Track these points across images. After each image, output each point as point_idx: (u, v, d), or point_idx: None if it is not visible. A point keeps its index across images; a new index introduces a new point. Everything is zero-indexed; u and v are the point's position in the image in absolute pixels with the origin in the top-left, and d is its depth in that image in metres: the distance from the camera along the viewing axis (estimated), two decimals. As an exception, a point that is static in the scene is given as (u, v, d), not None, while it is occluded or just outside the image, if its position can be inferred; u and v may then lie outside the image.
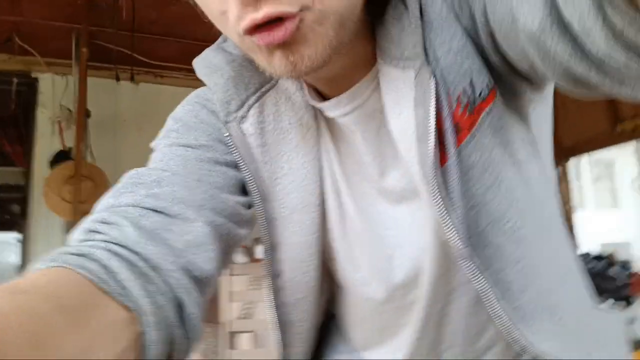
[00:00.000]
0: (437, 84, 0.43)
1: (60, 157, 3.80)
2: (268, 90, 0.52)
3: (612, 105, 4.95)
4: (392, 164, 0.51)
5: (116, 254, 0.39)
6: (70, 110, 3.98)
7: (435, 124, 0.43)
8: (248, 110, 0.52)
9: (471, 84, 0.44)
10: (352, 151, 0.53)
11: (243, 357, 2.34)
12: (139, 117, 4.60)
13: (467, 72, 0.44)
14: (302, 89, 0.52)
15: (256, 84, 0.52)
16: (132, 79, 4.07)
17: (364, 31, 0.48)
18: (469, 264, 0.46)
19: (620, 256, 4.52)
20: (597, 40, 0.30)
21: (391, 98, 0.46)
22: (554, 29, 0.32)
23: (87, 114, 3.78)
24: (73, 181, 3.43)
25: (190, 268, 0.43)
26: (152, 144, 0.58)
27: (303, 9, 0.37)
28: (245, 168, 0.52)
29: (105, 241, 0.41)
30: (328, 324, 0.69)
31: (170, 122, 0.58)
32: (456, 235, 0.45)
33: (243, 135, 0.51)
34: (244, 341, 2.92)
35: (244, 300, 2.89)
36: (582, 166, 10.53)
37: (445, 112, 0.44)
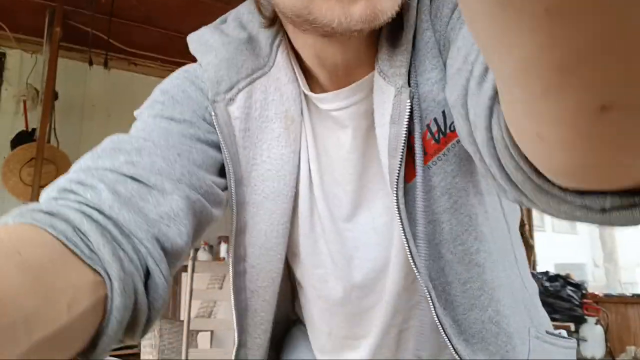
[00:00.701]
0: (412, 107, 0.46)
1: (23, 137, 3.67)
2: (260, 77, 0.52)
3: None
4: (374, 164, 0.53)
5: (89, 216, 0.38)
6: (37, 90, 3.85)
7: (407, 143, 0.47)
8: (237, 94, 0.52)
9: (443, 114, 0.47)
10: (330, 151, 0.54)
11: (201, 356, 2.31)
12: (109, 104, 4.49)
13: (440, 103, 0.47)
14: (296, 80, 0.54)
15: (248, 69, 0.52)
16: (105, 64, 3.98)
17: (372, 32, 0.50)
18: (421, 268, 0.49)
19: (575, 277, 4.70)
20: (487, 154, 0.34)
21: (378, 106, 0.49)
22: (462, 112, 0.37)
23: (55, 96, 3.67)
24: (34, 163, 3.32)
25: (161, 239, 0.43)
26: (136, 113, 0.55)
27: None
28: (226, 149, 0.52)
29: (79, 202, 0.40)
30: (292, 329, 0.69)
31: (156, 93, 0.56)
32: (413, 242, 0.48)
33: (229, 117, 0.52)
34: (202, 340, 2.88)
35: (204, 299, 2.85)
36: (544, 189, 10.88)
37: (417, 134, 0.47)
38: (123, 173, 0.44)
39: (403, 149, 0.46)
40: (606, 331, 4.26)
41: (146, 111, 0.54)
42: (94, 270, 0.35)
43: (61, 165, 3.50)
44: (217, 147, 0.53)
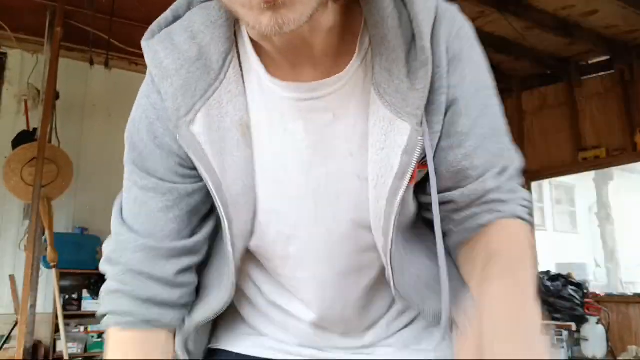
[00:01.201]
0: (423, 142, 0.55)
1: (24, 137, 3.68)
2: (213, 94, 0.57)
3: (575, 135, 5.15)
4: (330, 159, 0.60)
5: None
6: (38, 90, 3.85)
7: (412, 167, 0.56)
8: (195, 115, 0.57)
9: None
10: (287, 141, 0.60)
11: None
12: (110, 103, 4.50)
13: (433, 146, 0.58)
14: (244, 92, 0.60)
15: (202, 89, 0.57)
16: (106, 64, 3.98)
17: (349, 30, 0.56)
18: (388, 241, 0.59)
19: (576, 277, 4.70)
20: None
21: (375, 128, 0.57)
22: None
23: (56, 96, 3.67)
24: (35, 163, 3.32)
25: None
26: (125, 158, 0.65)
27: None
28: (199, 163, 0.58)
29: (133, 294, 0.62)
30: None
31: (127, 145, 0.64)
32: (393, 220, 0.57)
33: (192, 135, 0.57)
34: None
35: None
36: (544, 190, 10.88)
37: (415, 164, 0.56)
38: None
39: (410, 175, 0.56)
40: (607, 330, 4.26)
41: (127, 167, 0.65)
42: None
43: (62, 164, 3.50)
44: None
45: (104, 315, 0.62)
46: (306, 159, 0.58)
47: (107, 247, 0.65)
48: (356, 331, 0.68)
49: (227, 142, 0.58)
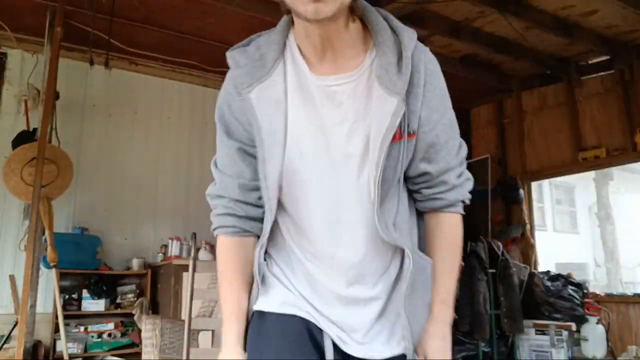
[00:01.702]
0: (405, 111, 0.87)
1: (24, 137, 3.68)
2: (262, 81, 0.90)
3: (575, 135, 5.15)
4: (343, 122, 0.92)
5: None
6: (38, 90, 3.85)
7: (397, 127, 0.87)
8: (252, 89, 0.91)
9: (404, 119, 0.88)
10: (321, 113, 0.91)
11: (202, 356, 2.32)
12: (109, 103, 4.49)
13: (405, 114, 0.88)
14: (285, 89, 0.92)
15: (258, 77, 0.91)
16: (106, 64, 3.98)
17: (339, 26, 0.86)
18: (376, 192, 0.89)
19: (576, 277, 4.69)
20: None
21: (374, 102, 0.89)
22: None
23: (56, 96, 3.67)
24: (35, 163, 3.32)
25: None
26: (217, 128, 0.99)
27: None
28: (252, 120, 0.93)
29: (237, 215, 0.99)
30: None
31: (217, 119, 0.98)
32: (380, 177, 0.88)
33: (249, 100, 0.91)
34: (203, 339, 2.88)
35: (206, 299, 2.85)
36: (544, 190, 10.88)
37: (401, 125, 0.88)
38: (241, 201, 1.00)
39: (394, 130, 0.86)
40: (607, 331, 4.26)
41: (218, 134, 0.99)
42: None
43: (62, 164, 3.50)
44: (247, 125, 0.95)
45: (215, 229, 1.00)
46: (327, 123, 0.90)
47: (212, 188, 1.00)
48: (365, 281, 0.95)
49: (269, 109, 0.90)
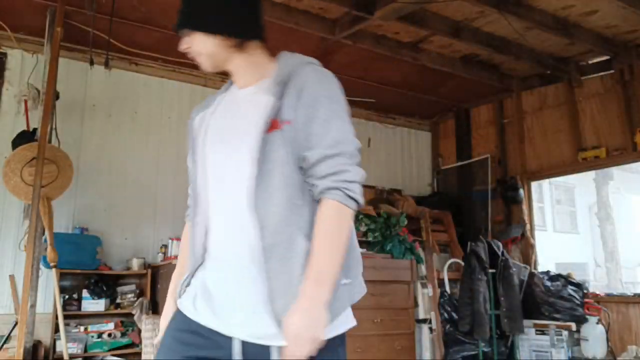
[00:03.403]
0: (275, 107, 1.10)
1: (24, 137, 3.67)
2: (205, 110, 1.27)
3: (575, 135, 5.15)
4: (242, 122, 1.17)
5: None
6: (38, 90, 3.85)
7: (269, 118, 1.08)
8: (197, 116, 1.28)
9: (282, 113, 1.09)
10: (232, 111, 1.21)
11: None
12: (109, 103, 4.48)
13: (274, 110, 1.10)
14: (232, 83, 1.26)
15: (204, 109, 1.28)
16: (106, 64, 3.98)
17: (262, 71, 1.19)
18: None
19: (576, 277, 4.69)
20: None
21: (264, 103, 1.11)
22: None
23: (56, 96, 3.67)
24: (35, 163, 3.32)
25: None
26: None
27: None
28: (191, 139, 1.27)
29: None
30: None
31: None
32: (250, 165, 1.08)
33: (192, 121, 1.28)
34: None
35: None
36: (544, 190, 10.87)
37: (274, 117, 1.08)
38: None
39: (269, 121, 1.07)
40: (607, 330, 4.26)
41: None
42: None
43: (62, 164, 3.50)
44: None
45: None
46: (227, 122, 1.17)
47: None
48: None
49: (200, 130, 1.22)
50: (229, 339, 1.02)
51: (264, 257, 1.02)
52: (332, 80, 1.12)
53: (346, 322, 1.09)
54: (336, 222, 1.03)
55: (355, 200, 1.05)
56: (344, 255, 1.04)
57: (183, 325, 1.09)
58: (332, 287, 1.01)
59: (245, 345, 1.01)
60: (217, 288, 1.09)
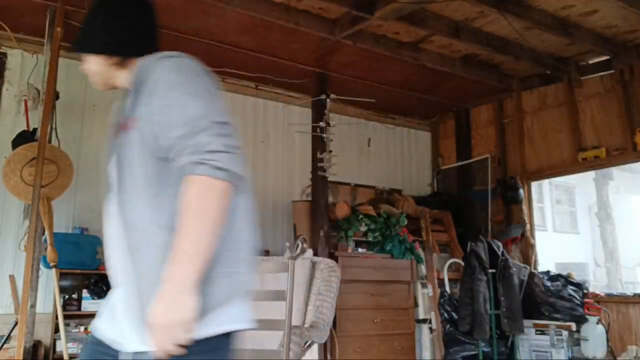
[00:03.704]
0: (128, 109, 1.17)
1: (24, 137, 3.67)
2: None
3: (575, 135, 5.15)
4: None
5: None
6: (38, 90, 3.85)
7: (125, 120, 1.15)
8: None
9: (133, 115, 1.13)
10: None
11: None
12: (109, 103, 4.45)
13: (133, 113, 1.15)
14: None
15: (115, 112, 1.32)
16: (106, 64, 3.97)
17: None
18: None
19: (576, 277, 4.69)
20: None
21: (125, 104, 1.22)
22: None
23: (56, 96, 3.67)
24: (35, 163, 3.32)
25: None
26: None
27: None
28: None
29: None
30: None
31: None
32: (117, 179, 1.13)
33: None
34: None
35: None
36: (544, 190, 10.87)
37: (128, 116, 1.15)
38: None
39: (124, 124, 1.15)
40: (607, 330, 4.26)
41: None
42: None
43: (62, 164, 3.50)
44: None
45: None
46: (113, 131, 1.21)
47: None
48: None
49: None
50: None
51: (130, 259, 1.02)
52: (178, 65, 1.09)
53: (228, 321, 0.99)
54: (198, 196, 0.94)
55: (224, 170, 0.95)
56: (214, 233, 0.94)
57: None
58: (197, 268, 0.91)
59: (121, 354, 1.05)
60: (113, 297, 1.12)
